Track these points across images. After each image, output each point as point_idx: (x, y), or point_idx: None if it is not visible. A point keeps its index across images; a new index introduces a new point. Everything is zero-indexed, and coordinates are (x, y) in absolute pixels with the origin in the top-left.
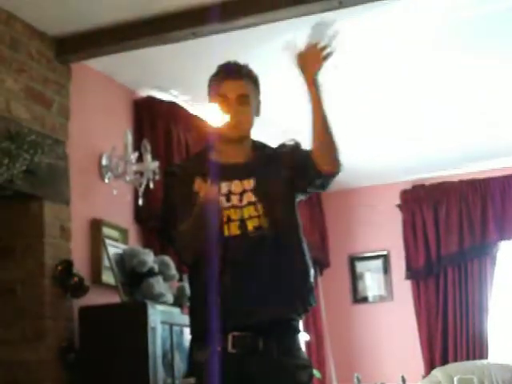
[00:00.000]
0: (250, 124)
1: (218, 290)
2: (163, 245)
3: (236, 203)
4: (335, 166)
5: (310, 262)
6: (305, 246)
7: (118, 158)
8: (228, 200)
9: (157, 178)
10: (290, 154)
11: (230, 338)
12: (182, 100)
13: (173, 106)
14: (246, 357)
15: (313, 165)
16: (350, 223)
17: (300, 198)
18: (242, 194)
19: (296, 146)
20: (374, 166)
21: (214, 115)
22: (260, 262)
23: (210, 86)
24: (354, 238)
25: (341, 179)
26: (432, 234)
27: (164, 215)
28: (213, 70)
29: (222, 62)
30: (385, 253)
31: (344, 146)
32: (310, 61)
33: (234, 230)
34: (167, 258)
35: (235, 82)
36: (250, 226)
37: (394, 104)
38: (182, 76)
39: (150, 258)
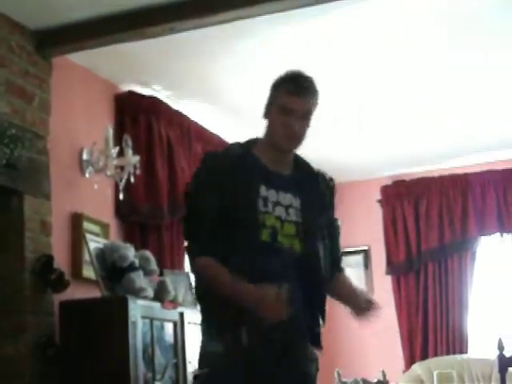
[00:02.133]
0: (303, 140)
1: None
2: (144, 240)
3: (270, 210)
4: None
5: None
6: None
7: (98, 152)
8: (264, 204)
9: (138, 172)
10: (329, 222)
11: (243, 329)
12: (163, 95)
13: (154, 101)
14: (259, 348)
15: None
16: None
17: None
18: (287, 207)
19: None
20: (355, 161)
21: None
22: (295, 274)
23: (274, 90)
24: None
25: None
26: (412, 229)
27: (195, 218)
28: (195, 66)
29: (203, 57)
30: (365, 248)
31: (325, 142)
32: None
33: (264, 235)
34: (148, 253)
35: (304, 100)
36: (281, 236)
37: (375, 100)
38: (164, 71)
39: (130, 253)
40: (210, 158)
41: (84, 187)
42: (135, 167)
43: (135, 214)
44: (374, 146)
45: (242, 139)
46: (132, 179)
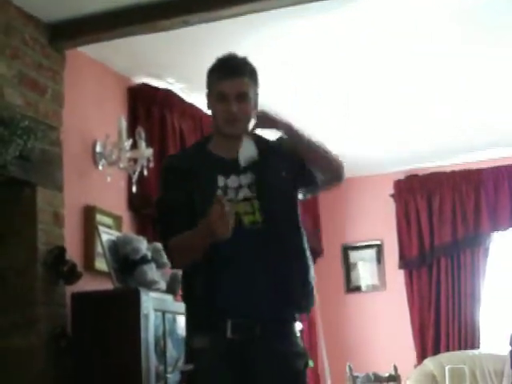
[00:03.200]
0: (248, 121)
1: (216, 283)
2: (156, 232)
3: (232, 197)
4: (339, 179)
5: (310, 263)
6: (305, 245)
7: (111, 145)
8: (225, 194)
9: (151, 165)
10: (291, 156)
11: (229, 324)
12: (177, 88)
13: (168, 94)
14: (244, 343)
15: (312, 178)
16: (344, 212)
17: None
18: (237, 188)
19: (295, 149)
20: (368, 155)
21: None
22: (257, 256)
23: (208, 81)
24: (348, 227)
25: None
26: (425, 224)
27: (162, 216)
28: (208, 58)
29: (217, 50)
30: (378, 242)
31: (338, 136)
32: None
33: None
34: (160, 246)
35: (235, 81)
36: (246, 221)
37: (388, 94)
38: (177, 64)
39: (143, 246)
40: (167, 162)
41: (97, 179)
42: (148, 160)
43: (148, 207)
44: (387, 140)
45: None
46: (145, 172)
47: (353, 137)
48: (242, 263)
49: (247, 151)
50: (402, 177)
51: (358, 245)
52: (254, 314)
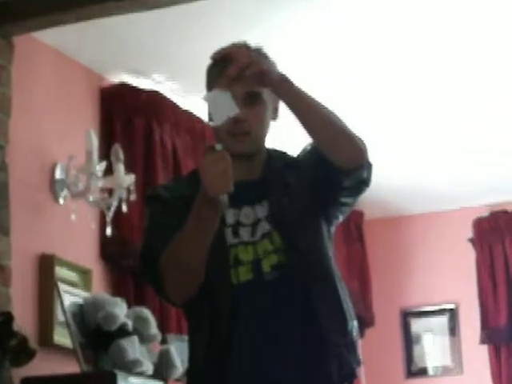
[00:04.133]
0: (261, 132)
1: (225, 354)
2: (140, 293)
3: (247, 238)
4: (357, 156)
5: (349, 307)
6: (341, 285)
7: (77, 169)
8: (236, 234)
9: (132, 197)
10: (308, 159)
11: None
12: (167, 88)
13: (155, 97)
14: None
15: (328, 165)
16: (403, 265)
17: (335, 218)
18: (254, 224)
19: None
20: (436, 185)
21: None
22: (280, 315)
23: (208, 79)
24: (409, 285)
25: (389, 203)
26: None
27: (151, 242)
28: (210, 48)
29: (220, 37)
30: (452, 306)
31: (394, 160)
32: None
33: (244, 274)
34: (145, 312)
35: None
36: (266, 265)
37: (465, 105)
38: (167, 56)
39: (121, 311)
40: (153, 191)
41: (57, 218)
42: (129, 190)
43: (128, 257)
44: (463, 164)
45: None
46: (124, 207)
47: (413, 160)
48: (259, 325)
49: (221, 106)
50: (484, 213)
51: (422, 310)
52: None
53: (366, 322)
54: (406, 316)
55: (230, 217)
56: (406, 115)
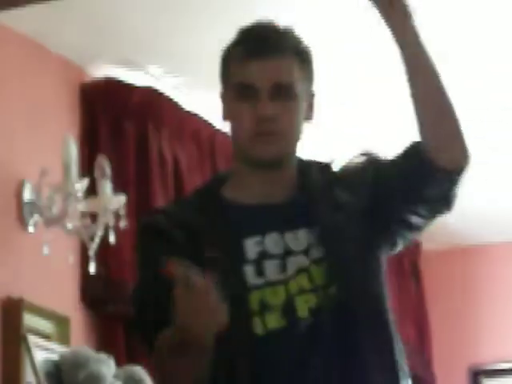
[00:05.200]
0: (292, 134)
1: None
2: (133, 346)
3: (275, 276)
4: (463, 155)
5: (403, 364)
6: (397, 336)
7: (51, 188)
8: (259, 272)
9: (122, 224)
10: (371, 173)
11: None
12: (167, 84)
13: (151, 96)
14: None
15: (416, 169)
16: (472, 309)
17: (394, 246)
18: (285, 256)
19: (374, 160)
20: (502, 210)
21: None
22: (318, 370)
23: (223, 67)
24: (480, 336)
25: (451, 230)
26: None
27: (142, 313)
28: (217, 33)
29: (233, 21)
30: None
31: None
32: None
33: (273, 321)
34: (138, 370)
35: (269, 63)
36: (303, 308)
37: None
38: (167, 44)
39: (108, 370)
40: (147, 222)
41: (25, 251)
42: (118, 215)
43: (117, 301)
44: None
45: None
46: (112, 238)
47: (482, 181)
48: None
49: None
50: None
51: (498, 368)
52: None
53: (425, 381)
54: (477, 375)
55: (251, 247)
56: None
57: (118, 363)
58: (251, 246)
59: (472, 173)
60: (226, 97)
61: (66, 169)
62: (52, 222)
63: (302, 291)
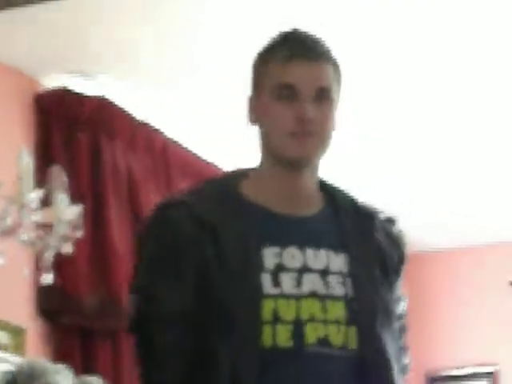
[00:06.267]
0: (324, 139)
1: None
2: (89, 356)
3: (289, 290)
4: None
5: None
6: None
7: (6, 199)
8: (276, 282)
9: (78, 234)
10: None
11: None
12: (119, 93)
13: (104, 106)
14: None
15: None
16: (426, 316)
17: None
18: (301, 271)
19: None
20: (469, 215)
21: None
22: None
23: (259, 68)
24: (435, 343)
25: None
26: None
27: (145, 335)
28: (175, 38)
29: (178, 21)
30: (490, 369)
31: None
32: None
33: (283, 338)
34: (97, 381)
35: (314, 66)
36: (312, 335)
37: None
38: (117, 53)
39: (65, 381)
40: (162, 222)
41: None
42: (74, 226)
43: (73, 312)
44: (498, 189)
45: (220, 175)
46: (68, 248)
47: (438, 188)
48: None
49: None
50: None
51: (453, 374)
52: None
53: None
54: (434, 381)
55: (270, 258)
56: (420, 144)
57: (75, 373)
58: (270, 256)
59: (412, 182)
60: (259, 99)
61: (21, 180)
62: (6, 233)
63: (311, 317)
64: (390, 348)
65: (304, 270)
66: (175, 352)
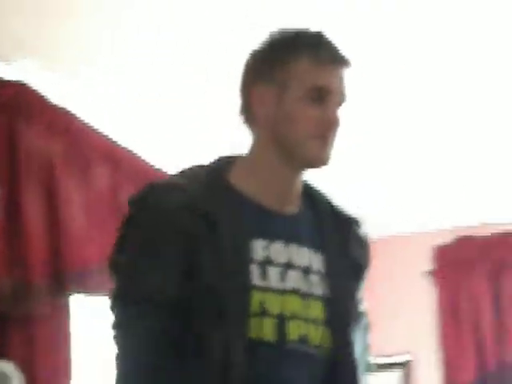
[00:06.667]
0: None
1: None
2: (1, 343)
3: (276, 284)
4: None
5: None
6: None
7: None
8: (263, 276)
9: None
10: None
11: None
12: (39, 77)
13: (21, 90)
14: None
15: None
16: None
17: None
18: (286, 267)
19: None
20: (388, 206)
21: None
22: None
23: (284, 65)
24: None
25: None
26: (489, 323)
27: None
28: (91, 17)
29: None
30: (405, 359)
31: (341, 172)
32: None
33: (268, 331)
34: (8, 367)
35: (341, 71)
36: (294, 332)
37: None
38: (41, 36)
39: None
40: (152, 206)
41: None
42: None
43: None
44: (420, 179)
45: (203, 161)
46: None
47: (361, 172)
48: None
49: None
50: (447, 240)
51: (379, 362)
52: None
53: None
54: None
55: (258, 250)
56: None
57: None
58: (258, 248)
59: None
60: (279, 96)
61: None
62: None
63: (293, 315)
64: (358, 347)
65: (289, 265)
66: (155, 337)
